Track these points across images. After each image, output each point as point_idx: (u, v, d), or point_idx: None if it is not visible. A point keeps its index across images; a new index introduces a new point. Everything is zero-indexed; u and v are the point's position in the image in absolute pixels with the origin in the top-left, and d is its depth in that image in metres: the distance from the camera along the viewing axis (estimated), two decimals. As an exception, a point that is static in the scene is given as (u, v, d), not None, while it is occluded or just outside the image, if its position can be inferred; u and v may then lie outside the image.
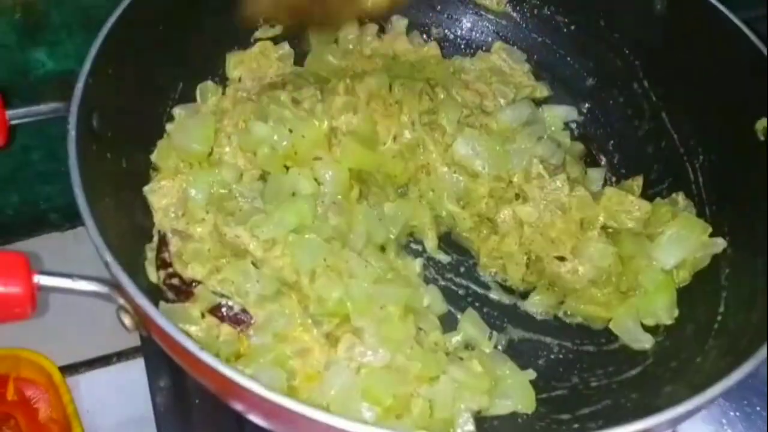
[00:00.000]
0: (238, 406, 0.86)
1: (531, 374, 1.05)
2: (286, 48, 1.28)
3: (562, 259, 1.15)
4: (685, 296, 1.11)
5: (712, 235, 1.11)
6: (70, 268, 1.32)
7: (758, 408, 1.13)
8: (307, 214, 1.07)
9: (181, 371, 1.14)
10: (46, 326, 1.29)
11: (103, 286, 0.83)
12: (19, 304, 0.80)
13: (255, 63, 1.24)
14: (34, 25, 1.21)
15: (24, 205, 1.47)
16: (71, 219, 1.47)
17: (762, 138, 1.07)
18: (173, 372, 1.16)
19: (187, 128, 1.15)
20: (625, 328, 1.10)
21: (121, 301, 0.83)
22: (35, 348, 1.24)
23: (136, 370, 1.25)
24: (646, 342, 1.09)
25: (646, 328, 1.11)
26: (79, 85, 0.94)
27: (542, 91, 1.35)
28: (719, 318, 1.03)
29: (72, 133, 0.90)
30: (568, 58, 1.35)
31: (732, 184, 1.13)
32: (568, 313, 1.15)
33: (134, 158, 1.09)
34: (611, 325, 1.12)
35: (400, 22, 1.37)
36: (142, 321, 0.84)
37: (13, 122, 0.99)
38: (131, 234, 1.02)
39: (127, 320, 0.85)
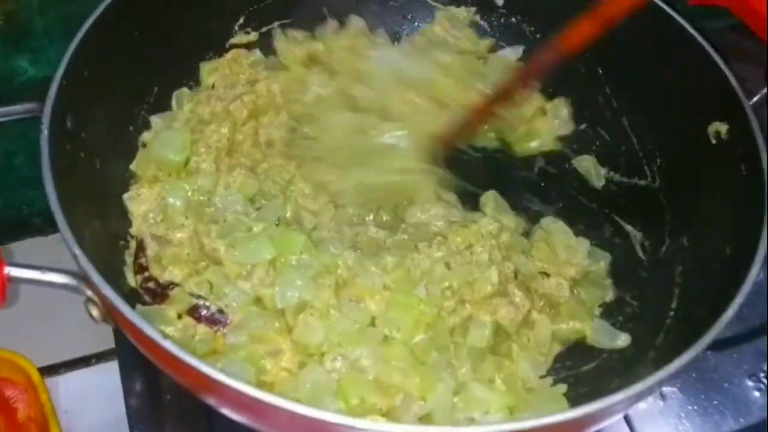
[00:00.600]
0: (209, 400, 0.88)
1: (562, 388, 1.04)
2: (257, 54, 1.32)
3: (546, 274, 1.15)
4: (641, 292, 1.14)
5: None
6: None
7: (715, 402, 1.16)
8: (296, 247, 1.07)
9: (155, 373, 1.19)
10: (26, 327, 1.34)
11: (71, 278, 0.86)
12: (-12, 293, 0.83)
13: (228, 69, 1.27)
14: (17, 32, 1.25)
15: (6, 209, 1.50)
16: (54, 223, 1.48)
17: (714, 141, 1.11)
18: (146, 374, 1.18)
19: (163, 139, 1.17)
20: (604, 333, 1.11)
21: (89, 292, 0.86)
22: (15, 349, 1.25)
23: (114, 371, 1.25)
24: (624, 340, 1.10)
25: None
26: (54, 87, 0.97)
27: (486, 45, 1.39)
28: (671, 313, 1.07)
29: (45, 133, 0.93)
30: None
31: (686, 185, 1.17)
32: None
33: (108, 159, 1.11)
34: (591, 339, 1.11)
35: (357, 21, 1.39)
36: (109, 311, 0.87)
37: (-12, 121, 1.02)
38: (103, 231, 1.05)
39: (95, 311, 0.88)
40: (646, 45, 1.21)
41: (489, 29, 1.41)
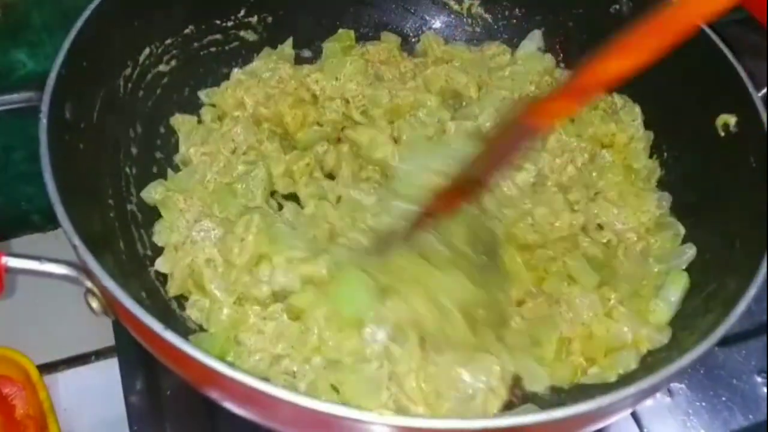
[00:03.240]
0: (211, 393, 0.87)
1: None
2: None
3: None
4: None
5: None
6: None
7: (723, 398, 1.14)
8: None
9: (155, 370, 1.17)
10: (24, 324, 1.32)
11: (71, 269, 0.84)
12: (-14, 283, 0.81)
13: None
14: (15, 25, 1.23)
15: (5, 205, 1.48)
16: (53, 220, 1.46)
17: (722, 134, 1.09)
18: (147, 371, 1.16)
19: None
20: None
21: (89, 283, 0.85)
22: (13, 345, 1.24)
23: (114, 368, 1.23)
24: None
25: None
26: (53, 74, 0.95)
27: None
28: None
29: (44, 121, 0.91)
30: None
31: (694, 178, 1.15)
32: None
33: (108, 151, 1.10)
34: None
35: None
36: (109, 303, 0.85)
37: (-13, 110, 1.00)
38: (102, 223, 1.03)
39: (95, 303, 0.86)
40: None
41: (493, 23, 1.40)
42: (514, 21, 1.39)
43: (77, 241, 0.83)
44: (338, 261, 1.05)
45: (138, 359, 1.17)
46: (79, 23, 1.02)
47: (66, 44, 0.99)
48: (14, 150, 1.40)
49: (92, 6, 1.04)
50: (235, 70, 1.29)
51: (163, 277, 1.09)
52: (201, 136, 1.21)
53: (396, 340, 0.98)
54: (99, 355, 1.32)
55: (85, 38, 1.02)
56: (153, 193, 1.15)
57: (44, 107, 0.93)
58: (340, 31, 1.37)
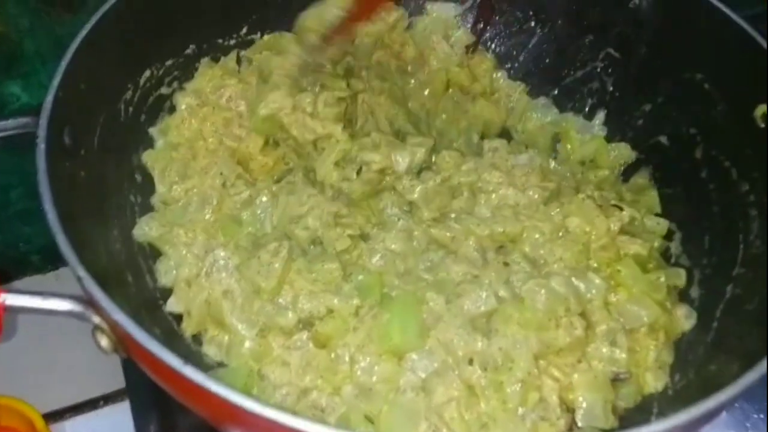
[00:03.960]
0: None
1: None
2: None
3: None
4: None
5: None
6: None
7: (783, 410, 1.07)
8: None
9: (170, 412, 1.10)
10: (28, 371, 1.26)
11: (76, 303, 0.77)
12: (-15, 324, 0.74)
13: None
14: (7, 55, 1.18)
15: (4, 246, 1.42)
16: (53, 261, 1.43)
17: (762, 125, 1.03)
18: (161, 414, 1.11)
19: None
20: None
21: (97, 319, 0.77)
22: (16, 394, 1.17)
23: (125, 413, 1.18)
24: None
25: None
26: (49, 98, 0.90)
27: None
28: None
29: (42, 147, 0.85)
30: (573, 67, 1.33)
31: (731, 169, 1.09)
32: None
33: (111, 180, 1.04)
34: None
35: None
36: (120, 340, 0.78)
37: (-20, 137, 0.94)
38: (107, 255, 0.96)
39: (104, 341, 0.79)
40: (687, 32, 1.15)
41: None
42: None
43: (82, 272, 0.76)
44: (365, 285, 1.00)
45: (151, 401, 1.12)
46: (75, 44, 0.96)
47: (63, 65, 0.93)
48: (12, 188, 1.34)
49: (88, 27, 0.98)
50: (182, 94, 1.18)
51: (177, 315, 1.02)
52: (177, 172, 1.13)
53: (439, 374, 0.92)
54: (108, 399, 1.25)
55: (82, 60, 0.96)
56: (147, 229, 1.07)
57: (41, 132, 0.86)
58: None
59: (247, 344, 0.95)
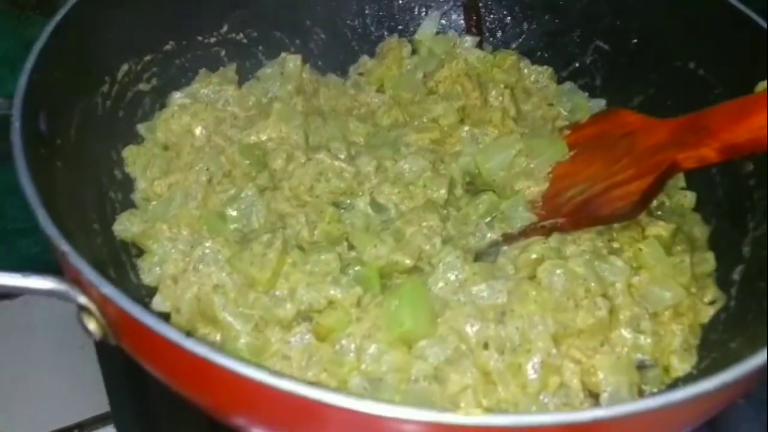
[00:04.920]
0: (242, 417, 0.73)
1: None
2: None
3: None
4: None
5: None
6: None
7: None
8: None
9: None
10: (3, 396, 1.18)
11: (59, 282, 0.70)
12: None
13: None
14: (-25, 61, 1.13)
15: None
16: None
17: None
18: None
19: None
20: None
21: (83, 299, 0.70)
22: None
23: None
24: None
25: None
26: (23, 79, 0.85)
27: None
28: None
29: (16, 125, 0.79)
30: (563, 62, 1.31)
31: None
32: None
33: (89, 173, 0.97)
34: None
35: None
36: (110, 321, 0.70)
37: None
38: (88, 249, 0.88)
39: (92, 324, 0.71)
40: (677, 18, 1.16)
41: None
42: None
43: (66, 247, 0.68)
44: (363, 277, 0.94)
45: (137, 422, 1.05)
46: (49, 28, 0.91)
47: (36, 48, 0.88)
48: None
49: (62, 12, 0.93)
50: (176, 95, 1.14)
51: (164, 314, 0.94)
52: (160, 168, 1.07)
53: (452, 361, 0.86)
54: (89, 426, 1.15)
55: (56, 45, 0.91)
56: (129, 224, 1.00)
57: (16, 111, 0.80)
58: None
59: (243, 340, 0.88)
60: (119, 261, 0.95)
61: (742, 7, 1.06)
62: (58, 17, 0.92)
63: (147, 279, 0.97)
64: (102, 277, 0.67)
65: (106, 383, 1.12)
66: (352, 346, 0.86)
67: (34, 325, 1.26)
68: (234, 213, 1.01)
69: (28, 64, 0.86)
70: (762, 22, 1.04)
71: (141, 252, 0.99)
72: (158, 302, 0.94)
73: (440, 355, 0.86)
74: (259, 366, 0.62)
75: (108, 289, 0.66)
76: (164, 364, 0.71)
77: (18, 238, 1.33)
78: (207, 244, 0.94)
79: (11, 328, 1.26)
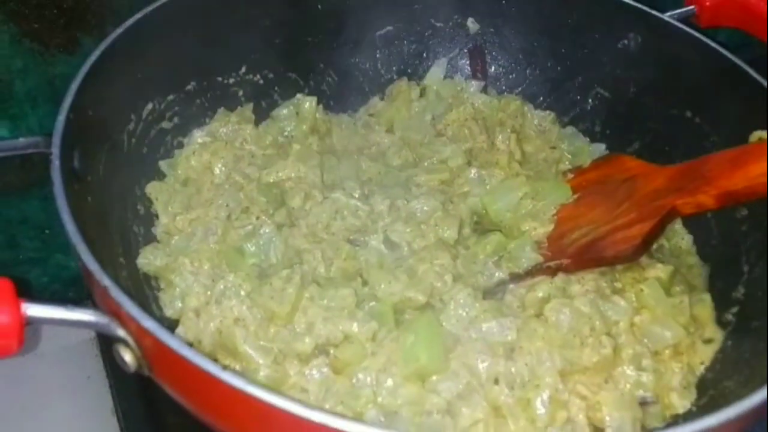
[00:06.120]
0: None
1: None
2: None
3: None
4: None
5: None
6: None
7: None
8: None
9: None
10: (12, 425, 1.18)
11: (101, 315, 0.73)
12: (4, 336, 0.69)
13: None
14: (-3, 96, 1.15)
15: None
16: None
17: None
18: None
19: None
20: None
21: (121, 332, 0.73)
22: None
23: None
24: None
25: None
26: (61, 118, 0.88)
27: None
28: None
29: (56, 163, 0.83)
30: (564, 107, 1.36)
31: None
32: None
33: (115, 208, 1.01)
34: None
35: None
36: (147, 352, 0.73)
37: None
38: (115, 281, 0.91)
39: (128, 356, 0.74)
40: (676, 70, 1.21)
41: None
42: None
43: (107, 282, 0.72)
44: (378, 312, 0.98)
45: None
46: (84, 69, 0.95)
47: (73, 87, 0.92)
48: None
49: (98, 52, 0.97)
50: (197, 133, 1.19)
51: (185, 345, 0.97)
52: (181, 203, 1.11)
53: (463, 396, 0.89)
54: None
55: (89, 85, 0.95)
56: (152, 258, 1.04)
57: (55, 149, 0.84)
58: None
59: (263, 372, 0.91)
60: (143, 294, 0.98)
61: (739, 62, 1.12)
62: (93, 57, 0.96)
63: (168, 311, 1.00)
64: (143, 311, 0.70)
65: (121, 415, 1.14)
66: (368, 379, 0.90)
67: (42, 354, 1.27)
68: (253, 248, 1.05)
69: (66, 103, 0.90)
70: (759, 77, 1.09)
71: (160, 286, 1.03)
72: (180, 334, 0.97)
73: (453, 389, 0.89)
74: (300, 401, 0.65)
75: (149, 323, 0.70)
76: (196, 395, 0.74)
77: (30, 268, 1.34)
78: (229, 278, 0.97)
79: (18, 357, 1.27)
